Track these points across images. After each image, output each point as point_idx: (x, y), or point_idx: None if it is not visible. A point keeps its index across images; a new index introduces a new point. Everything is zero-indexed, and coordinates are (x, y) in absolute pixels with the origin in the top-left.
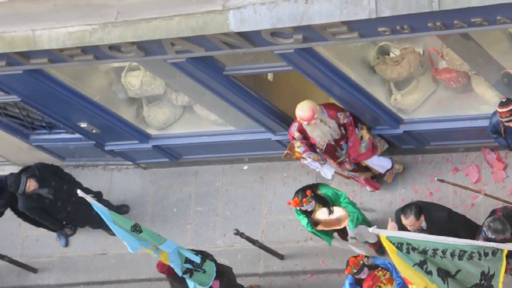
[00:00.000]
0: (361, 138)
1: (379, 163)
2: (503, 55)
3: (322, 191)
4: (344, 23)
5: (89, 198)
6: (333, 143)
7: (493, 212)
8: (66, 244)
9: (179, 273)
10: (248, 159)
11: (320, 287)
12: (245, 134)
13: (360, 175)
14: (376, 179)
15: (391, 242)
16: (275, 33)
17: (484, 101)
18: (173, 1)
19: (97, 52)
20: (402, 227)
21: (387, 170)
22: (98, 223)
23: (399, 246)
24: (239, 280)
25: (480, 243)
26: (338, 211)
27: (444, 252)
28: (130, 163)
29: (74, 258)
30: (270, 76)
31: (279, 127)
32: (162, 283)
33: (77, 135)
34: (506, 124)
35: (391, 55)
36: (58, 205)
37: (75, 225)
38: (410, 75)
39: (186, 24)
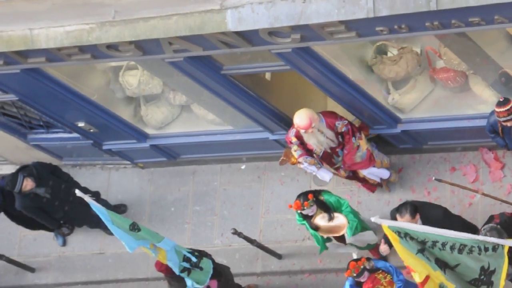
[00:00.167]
0: (358, 147)
1: (377, 174)
2: (500, 54)
3: (324, 197)
4: (341, 22)
5: (87, 198)
6: (329, 151)
7: (490, 219)
8: (64, 243)
9: (177, 272)
10: (246, 159)
11: (317, 287)
12: (243, 133)
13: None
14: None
15: (392, 231)
16: (273, 32)
17: (482, 101)
18: (171, 0)
19: (94, 51)
20: None
21: (385, 181)
22: (95, 223)
23: (399, 234)
24: (237, 280)
25: (480, 237)
26: (338, 219)
27: (444, 244)
28: (128, 162)
29: (72, 258)
30: (268, 76)
31: (277, 126)
32: (160, 283)
33: (75, 135)
34: (504, 123)
35: (389, 54)
36: (55, 204)
37: (73, 225)
38: (408, 75)
39: (184, 23)
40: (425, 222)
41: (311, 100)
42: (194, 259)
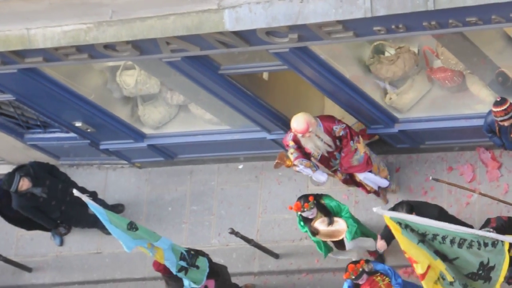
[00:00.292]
0: (356, 150)
1: (374, 180)
2: (498, 54)
3: (325, 201)
4: (339, 22)
5: (85, 198)
6: (326, 155)
7: (487, 222)
8: (61, 243)
9: (174, 271)
10: (243, 158)
11: (315, 286)
12: (240, 133)
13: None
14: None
15: (394, 222)
16: (270, 32)
17: (479, 100)
18: (168, 0)
19: (92, 51)
20: None
21: (382, 188)
22: (93, 222)
23: (400, 225)
24: (234, 279)
25: (480, 232)
26: (338, 223)
27: (444, 238)
28: (125, 162)
29: (69, 257)
30: (265, 75)
31: (274, 126)
32: (157, 282)
33: (72, 134)
34: (501, 123)
35: (386, 54)
36: (52, 204)
37: (70, 224)
38: (405, 74)
39: (181, 23)
40: None
41: (308, 100)
42: (186, 257)
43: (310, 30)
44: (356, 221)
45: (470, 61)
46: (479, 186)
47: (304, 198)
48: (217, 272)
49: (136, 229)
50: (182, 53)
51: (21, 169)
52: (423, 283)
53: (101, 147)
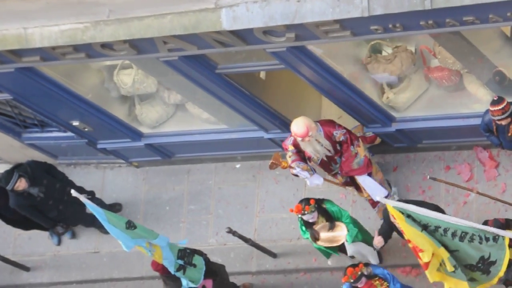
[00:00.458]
0: (356, 154)
1: (372, 186)
2: (495, 53)
3: (326, 206)
4: (336, 21)
5: (82, 198)
6: (325, 159)
7: (484, 224)
8: (59, 242)
9: (172, 271)
10: (241, 157)
11: (312, 285)
12: (238, 132)
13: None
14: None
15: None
16: (268, 31)
17: (476, 100)
18: None
19: (89, 50)
20: (391, 224)
21: (380, 207)
22: (90, 222)
23: (403, 214)
24: (232, 279)
25: (481, 226)
26: (338, 228)
27: (445, 230)
28: (123, 161)
29: (67, 257)
30: (262, 75)
31: (272, 125)
32: (155, 282)
33: (70, 134)
34: (498, 122)
35: (384, 53)
36: (49, 203)
37: (67, 224)
38: (402, 74)
39: (179, 22)
40: None
41: (305, 99)
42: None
43: (307, 29)
44: (357, 226)
45: (467, 60)
46: (476, 185)
47: (305, 201)
48: (215, 272)
49: (135, 227)
50: (179, 52)
51: (19, 168)
52: (426, 272)
53: (99, 146)
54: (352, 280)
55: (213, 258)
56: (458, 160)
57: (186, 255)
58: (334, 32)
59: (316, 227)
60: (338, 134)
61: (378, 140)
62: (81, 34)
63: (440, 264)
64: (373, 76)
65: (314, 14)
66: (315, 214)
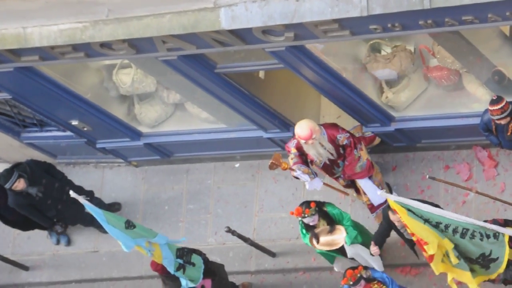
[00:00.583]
0: (359, 158)
1: (372, 190)
2: (494, 53)
3: (328, 209)
4: (335, 21)
5: (81, 200)
6: (328, 162)
7: None
8: (58, 242)
9: (172, 271)
10: (240, 157)
11: (311, 285)
12: (237, 131)
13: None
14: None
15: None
16: (267, 31)
17: (476, 99)
18: None
19: (88, 50)
20: (390, 223)
21: (379, 206)
22: (89, 221)
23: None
24: (231, 278)
25: (481, 223)
26: (338, 232)
27: (446, 226)
28: (122, 160)
29: (66, 256)
30: (261, 74)
31: (271, 124)
32: (154, 281)
33: (69, 133)
34: (497, 122)
35: (383, 53)
36: (48, 203)
37: (66, 223)
38: (402, 73)
39: (178, 22)
40: None
41: (304, 98)
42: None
43: (306, 28)
44: (358, 229)
45: (466, 59)
46: (475, 184)
47: (306, 204)
48: (214, 272)
49: (134, 227)
50: (178, 52)
51: (18, 167)
52: (432, 265)
53: (98, 145)
54: (351, 283)
55: (212, 258)
56: (457, 159)
57: (184, 254)
58: (333, 32)
59: (316, 231)
60: (342, 138)
61: (377, 140)
62: (80, 34)
63: (444, 255)
64: (373, 72)
65: (313, 13)
66: (316, 217)
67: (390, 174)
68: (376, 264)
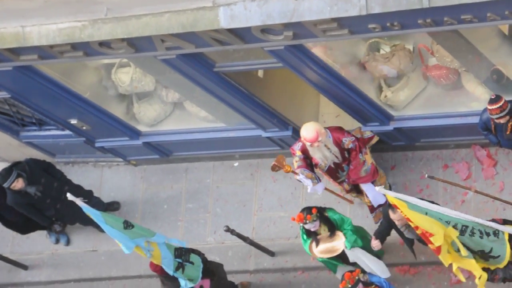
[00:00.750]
0: (364, 162)
1: (375, 193)
2: (493, 52)
3: (329, 214)
4: (334, 20)
5: (79, 202)
6: (333, 166)
7: None
8: (57, 241)
9: (171, 272)
10: (239, 156)
11: (310, 284)
12: (236, 130)
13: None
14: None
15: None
16: (265, 30)
17: (474, 98)
18: None
19: (87, 49)
20: (390, 222)
21: (378, 207)
22: (88, 221)
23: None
24: (229, 277)
25: (480, 221)
26: (337, 238)
27: (446, 223)
28: (121, 159)
29: (65, 255)
30: (260, 73)
31: (270, 123)
32: (153, 280)
33: (67, 132)
34: (496, 121)
35: (382, 51)
36: (47, 202)
37: (65, 222)
38: (401, 72)
39: (176, 21)
40: None
41: (303, 97)
42: (183, 245)
43: (305, 28)
44: (359, 233)
45: (465, 58)
46: (474, 184)
47: (307, 210)
48: (213, 272)
49: (132, 226)
50: (177, 51)
51: (17, 166)
52: (440, 257)
53: (97, 144)
54: (349, 286)
55: (211, 257)
56: (456, 158)
57: (183, 254)
58: (332, 31)
59: (318, 236)
60: (347, 141)
61: (375, 139)
62: (79, 33)
63: (449, 245)
64: (380, 67)
65: (312, 12)
66: (317, 223)
67: (389, 173)
68: (379, 268)
